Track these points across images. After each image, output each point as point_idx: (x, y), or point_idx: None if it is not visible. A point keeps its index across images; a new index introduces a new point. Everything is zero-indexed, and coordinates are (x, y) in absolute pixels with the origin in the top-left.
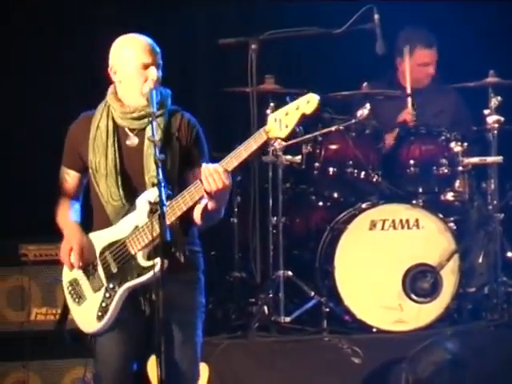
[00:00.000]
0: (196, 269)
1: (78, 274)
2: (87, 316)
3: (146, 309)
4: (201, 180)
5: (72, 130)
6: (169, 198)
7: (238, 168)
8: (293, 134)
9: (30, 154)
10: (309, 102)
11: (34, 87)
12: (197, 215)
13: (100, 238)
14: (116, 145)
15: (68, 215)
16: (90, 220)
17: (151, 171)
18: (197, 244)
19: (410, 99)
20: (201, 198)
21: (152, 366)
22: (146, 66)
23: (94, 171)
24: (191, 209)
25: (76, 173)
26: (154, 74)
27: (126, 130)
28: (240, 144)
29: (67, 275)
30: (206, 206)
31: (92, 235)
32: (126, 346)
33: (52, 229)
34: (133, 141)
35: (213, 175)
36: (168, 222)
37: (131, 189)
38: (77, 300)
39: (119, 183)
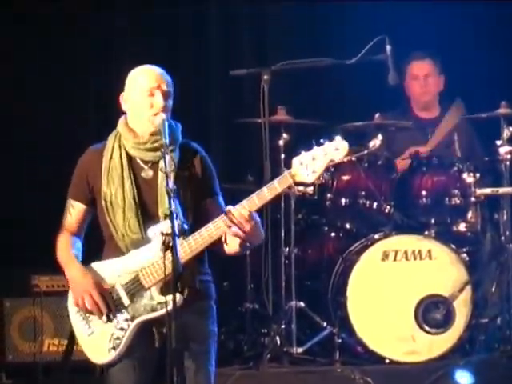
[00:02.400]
0: (208, 298)
1: None
2: (97, 347)
3: (156, 341)
4: (226, 215)
5: (81, 162)
6: (184, 232)
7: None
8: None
9: (43, 185)
10: (338, 150)
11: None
12: (233, 244)
13: (109, 269)
14: (132, 176)
15: (71, 254)
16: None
17: (165, 204)
18: (208, 273)
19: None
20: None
21: None
22: (152, 93)
23: (109, 203)
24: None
25: (82, 205)
26: (159, 99)
27: (139, 161)
28: (251, 175)
29: (74, 305)
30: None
31: (99, 264)
32: (138, 376)
33: None
34: (148, 173)
35: (240, 221)
36: (193, 254)
37: (147, 221)
38: (85, 331)
39: (139, 215)
